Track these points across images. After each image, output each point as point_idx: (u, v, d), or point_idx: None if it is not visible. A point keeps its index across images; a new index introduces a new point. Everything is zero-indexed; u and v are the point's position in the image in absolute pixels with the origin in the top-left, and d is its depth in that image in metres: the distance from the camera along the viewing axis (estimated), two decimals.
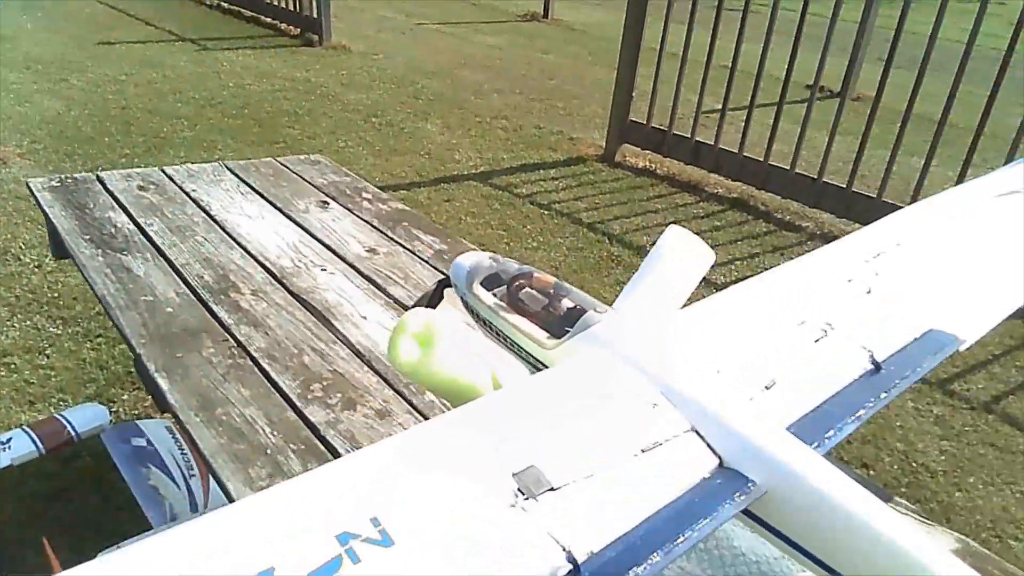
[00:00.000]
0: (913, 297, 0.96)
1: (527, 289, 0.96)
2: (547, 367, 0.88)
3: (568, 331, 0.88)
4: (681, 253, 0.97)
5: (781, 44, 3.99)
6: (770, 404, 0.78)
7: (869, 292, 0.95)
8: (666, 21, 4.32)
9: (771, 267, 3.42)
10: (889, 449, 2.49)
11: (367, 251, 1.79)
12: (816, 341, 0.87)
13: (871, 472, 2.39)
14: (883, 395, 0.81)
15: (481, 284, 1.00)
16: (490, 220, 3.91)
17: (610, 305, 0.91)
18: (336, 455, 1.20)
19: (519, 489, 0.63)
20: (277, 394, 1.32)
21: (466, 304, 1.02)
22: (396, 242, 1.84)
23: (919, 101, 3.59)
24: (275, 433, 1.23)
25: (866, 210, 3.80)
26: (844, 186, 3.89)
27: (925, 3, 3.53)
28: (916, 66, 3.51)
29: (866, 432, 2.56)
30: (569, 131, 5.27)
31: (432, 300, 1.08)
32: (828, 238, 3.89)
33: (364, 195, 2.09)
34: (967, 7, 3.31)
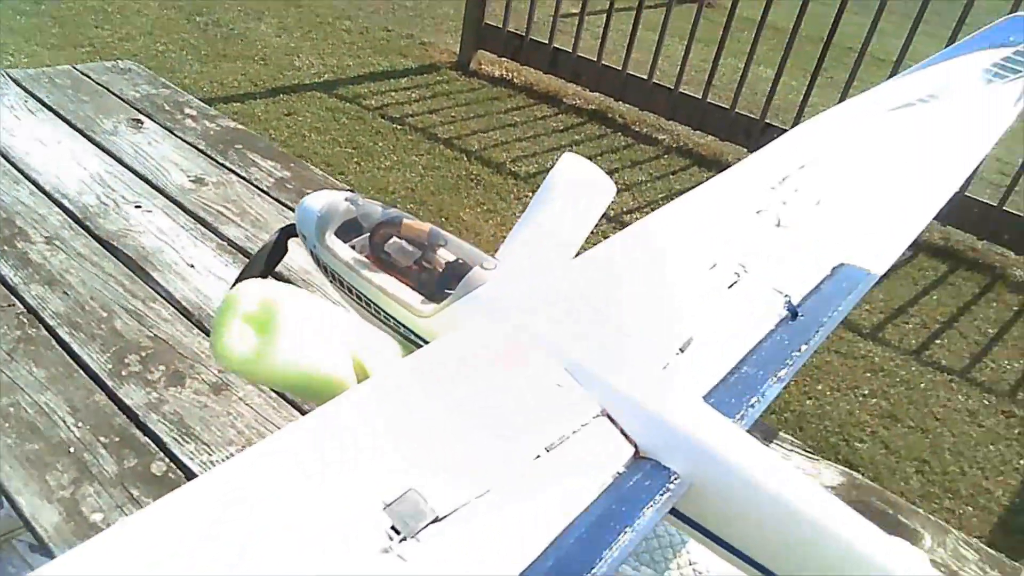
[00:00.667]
0: (821, 228, 0.87)
1: (395, 239, 0.77)
2: (425, 341, 0.70)
3: (448, 293, 0.70)
4: (576, 187, 0.82)
5: None
6: (687, 370, 0.65)
7: (779, 224, 0.85)
8: None
9: (630, 183, 3.33)
10: None
11: (192, 181, 1.50)
12: (730, 287, 0.75)
13: None
14: (803, 347, 0.71)
15: (336, 234, 0.79)
16: (337, 137, 3.59)
17: (493, 254, 0.74)
18: (161, 445, 0.98)
19: (393, 527, 0.47)
20: (82, 372, 1.07)
21: (317, 260, 0.82)
22: (228, 169, 1.55)
23: (772, 10, 3.57)
24: (80, 424, 0.99)
25: (719, 122, 3.81)
26: (699, 97, 3.86)
27: None
28: None
29: None
30: (420, 35, 4.93)
31: (273, 256, 0.86)
32: (683, 151, 3.89)
33: (187, 111, 1.76)
34: None
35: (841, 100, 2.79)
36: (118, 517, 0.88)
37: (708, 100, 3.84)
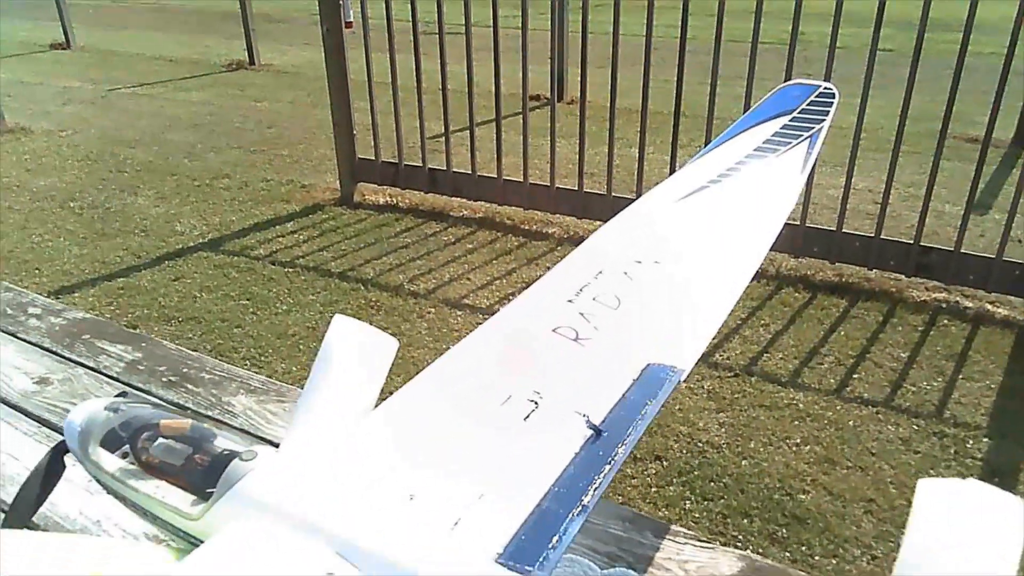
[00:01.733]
0: (622, 332, 0.86)
1: (160, 440, 0.73)
2: (201, 542, 0.67)
3: (213, 491, 0.67)
4: (354, 349, 0.80)
5: (484, 60, 4.02)
6: (480, 525, 0.63)
7: (576, 339, 0.84)
8: (366, 51, 4.20)
9: (530, 279, 3.35)
10: (675, 435, 2.53)
11: (36, 383, 1.44)
12: (525, 419, 0.73)
13: (664, 463, 2.40)
14: (605, 468, 0.69)
15: (102, 444, 0.76)
16: (229, 291, 3.56)
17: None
18: None
19: None
20: None
21: (91, 475, 0.78)
22: (75, 363, 1.50)
23: (622, 95, 3.77)
24: None
25: (600, 207, 3.93)
26: (576, 188, 3.99)
27: (604, 6, 3.71)
28: (610, 64, 3.67)
29: (651, 423, 2.59)
30: (300, 179, 5.00)
31: (48, 477, 0.82)
32: (575, 239, 3.98)
33: (31, 311, 1.71)
34: (640, 4, 3.51)
35: None
36: None
37: (585, 190, 3.98)
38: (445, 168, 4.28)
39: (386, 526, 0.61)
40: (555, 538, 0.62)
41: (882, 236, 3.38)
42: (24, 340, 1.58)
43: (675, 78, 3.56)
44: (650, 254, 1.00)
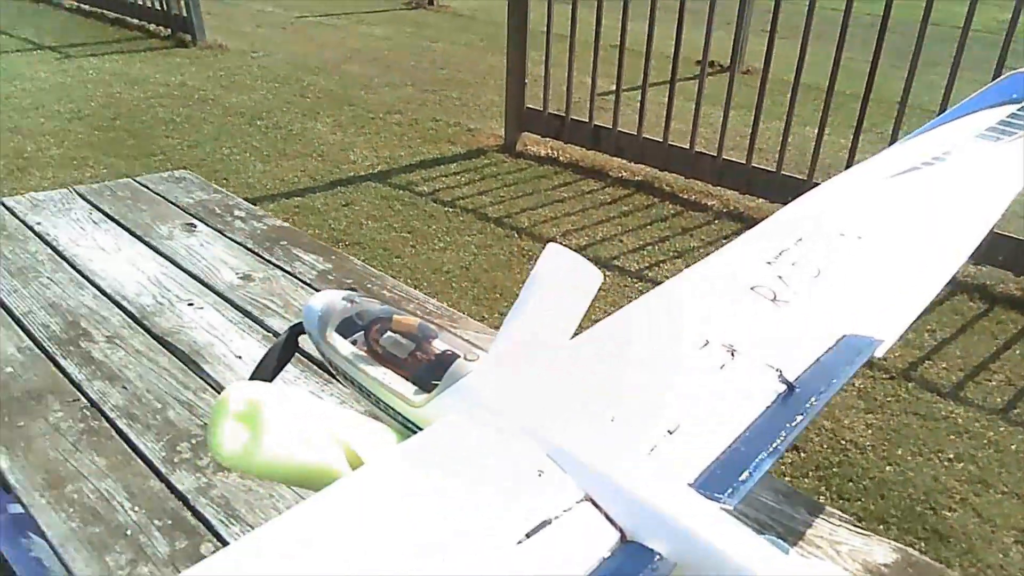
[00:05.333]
0: (822, 300, 0.88)
1: (389, 333, 0.82)
2: (420, 429, 0.74)
3: (437, 384, 0.74)
4: (562, 277, 0.85)
5: (666, 20, 3.95)
6: (675, 453, 0.67)
7: (774, 300, 0.86)
8: (549, 2, 4.22)
9: (682, 249, 3.34)
10: (818, 428, 2.47)
11: (241, 278, 1.60)
12: (722, 367, 0.77)
13: (803, 454, 2.36)
14: (798, 419, 0.71)
15: (337, 330, 0.85)
16: (392, 223, 3.74)
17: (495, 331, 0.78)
18: (209, 527, 1.04)
19: None
20: (138, 460, 1.14)
21: (323, 355, 0.88)
22: (274, 265, 1.65)
23: (806, 70, 3.61)
24: (136, 508, 1.05)
25: (766, 184, 3.81)
26: (744, 162, 3.88)
27: None
28: (797, 36, 3.52)
29: None
30: (467, 122, 5.13)
31: (284, 352, 0.92)
32: (734, 215, 3.89)
33: (237, 213, 1.89)
34: None
35: None
36: None
37: (752, 164, 3.87)
38: (611, 127, 4.27)
39: (591, 439, 0.66)
40: (745, 473, 0.65)
41: None
42: (231, 239, 1.76)
43: (864, 58, 3.37)
44: (854, 228, 1.00)
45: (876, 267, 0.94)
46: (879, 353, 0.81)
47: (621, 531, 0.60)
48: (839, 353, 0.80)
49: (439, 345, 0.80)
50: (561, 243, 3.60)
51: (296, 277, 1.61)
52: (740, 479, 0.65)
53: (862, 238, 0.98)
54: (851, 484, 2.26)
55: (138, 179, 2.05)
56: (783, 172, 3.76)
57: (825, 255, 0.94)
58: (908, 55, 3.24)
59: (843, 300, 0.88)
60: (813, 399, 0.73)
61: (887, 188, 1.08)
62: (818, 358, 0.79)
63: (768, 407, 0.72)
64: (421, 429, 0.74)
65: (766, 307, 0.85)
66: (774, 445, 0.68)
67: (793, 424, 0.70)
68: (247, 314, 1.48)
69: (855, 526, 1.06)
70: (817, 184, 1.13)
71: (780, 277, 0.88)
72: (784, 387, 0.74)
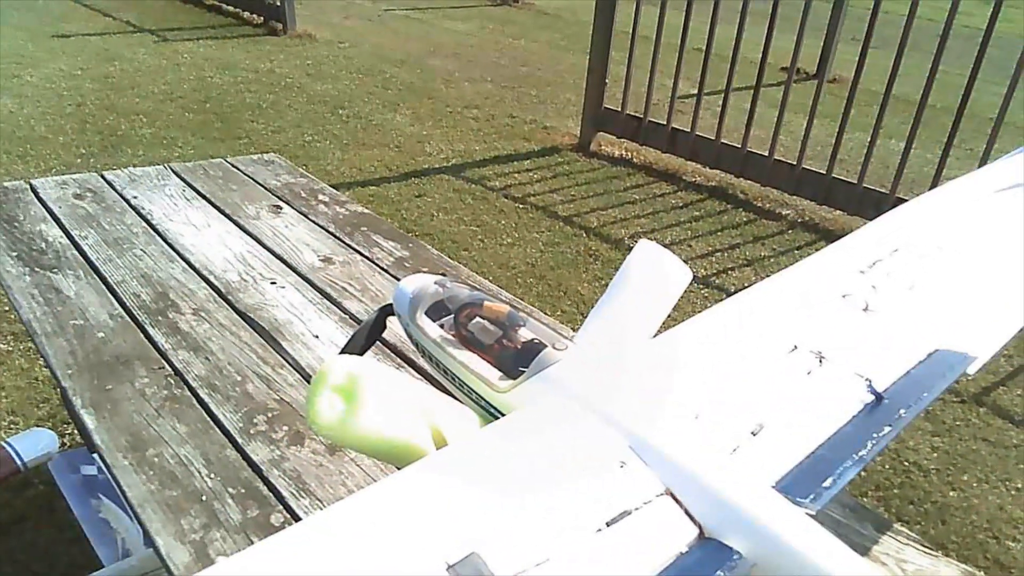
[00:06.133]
0: (915, 312, 0.86)
1: (477, 319, 0.83)
2: (502, 413, 0.76)
3: (523, 371, 0.75)
4: (652, 273, 0.85)
5: (755, 25, 3.89)
6: (757, 455, 0.67)
7: (866, 309, 0.85)
8: (637, 3, 4.19)
9: (752, 258, 3.29)
10: None
11: (321, 260, 1.65)
12: (808, 373, 0.76)
13: (863, 472, 2.30)
14: (886, 429, 0.70)
15: (426, 314, 0.87)
16: (463, 216, 3.78)
17: (575, 329, 0.79)
18: (280, 498, 1.08)
19: None
20: (217, 429, 1.19)
21: (410, 336, 0.90)
22: (353, 249, 1.70)
23: (899, 83, 3.50)
24: (212, 476, 1.10)
25: (846, 196, 3.72)
26: (824, 172, 3.80)
27: None
28: (889, 46, 3.42)
29: None
30: (543, 120, 5.14)
31: (373, 331, 0.95)
32: (809, 226, 3.81)
33: (320, 197, 1.94)
34: None
35: None
36: None
37: (833, 175, 3.78)
38: (688, 130, 4.23)
39: (674, 435, 0.66)
40: (829, 479, 0.64)
41: None
42: (314, 222, 1.81)
43: (957, 71, 3.25)
44: (952, 242, 0.98)
45: (973, 283, 0.92)
46: (972, 370, 0.79)
47: (700, 527, 0.60)
48: (931, 367, 0.78)
49: (526, 333, 0.81)
50: (628, 244, 3.62)
51: (374, 262, 1.65)
52: (823, 485, 0.64)
53: (960, 253, 0.96)
54: (912, 507, 2.20)
55: (229, 160, 2.13)
56: (864, 184, 3.66)
57: (921, 267, 0.92)
58: (1005, 69, 3.12)
59: (937, 314, 0.86)
60: (902, 411, 0.72)
61: (989, 204, 1.05)
62: (908, 371, 0.77)
63: (855, 416, 0.72)
64: (503, 414, 0.75)
65: (857, 316, 0.84)
66: (860, 454, 0.67)
67: (880, 434, 0.69)
68: (326, 295, 1.53)
69: (923, 545, 1.04)
70: (900, 198, 1.11)
71: (873, 287, 0.87)
72: (872, 397, 0.74)
